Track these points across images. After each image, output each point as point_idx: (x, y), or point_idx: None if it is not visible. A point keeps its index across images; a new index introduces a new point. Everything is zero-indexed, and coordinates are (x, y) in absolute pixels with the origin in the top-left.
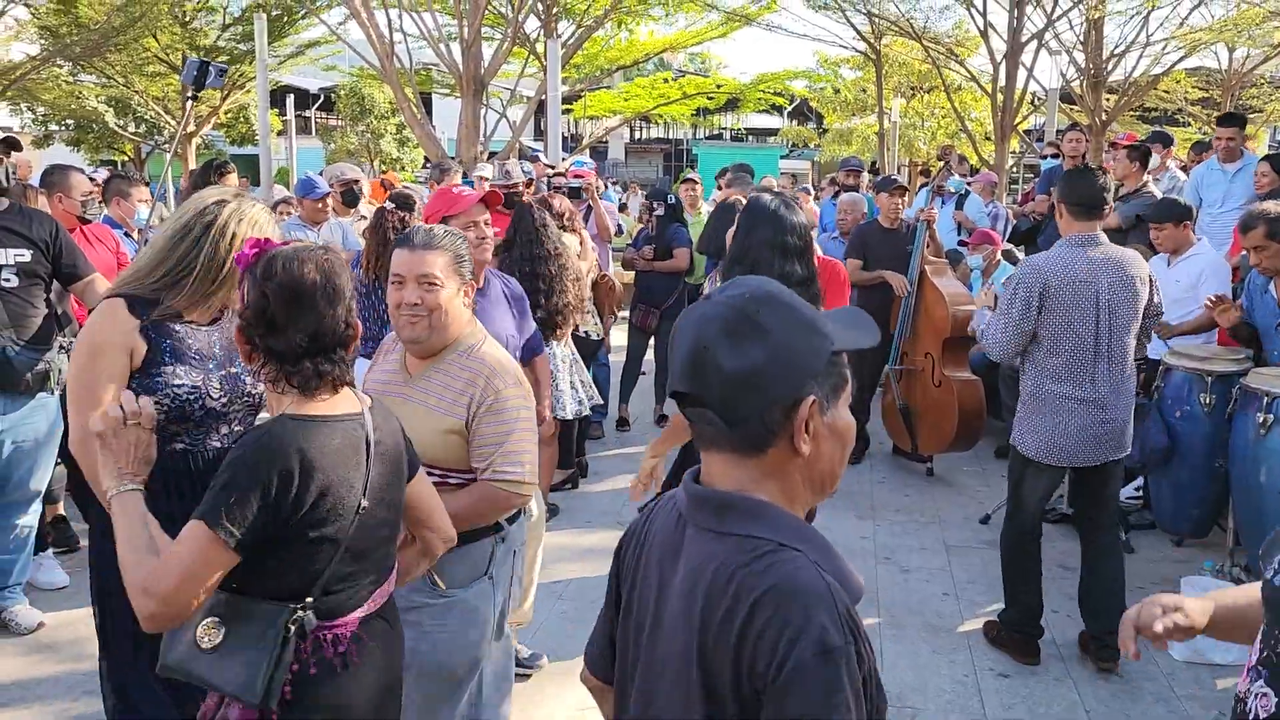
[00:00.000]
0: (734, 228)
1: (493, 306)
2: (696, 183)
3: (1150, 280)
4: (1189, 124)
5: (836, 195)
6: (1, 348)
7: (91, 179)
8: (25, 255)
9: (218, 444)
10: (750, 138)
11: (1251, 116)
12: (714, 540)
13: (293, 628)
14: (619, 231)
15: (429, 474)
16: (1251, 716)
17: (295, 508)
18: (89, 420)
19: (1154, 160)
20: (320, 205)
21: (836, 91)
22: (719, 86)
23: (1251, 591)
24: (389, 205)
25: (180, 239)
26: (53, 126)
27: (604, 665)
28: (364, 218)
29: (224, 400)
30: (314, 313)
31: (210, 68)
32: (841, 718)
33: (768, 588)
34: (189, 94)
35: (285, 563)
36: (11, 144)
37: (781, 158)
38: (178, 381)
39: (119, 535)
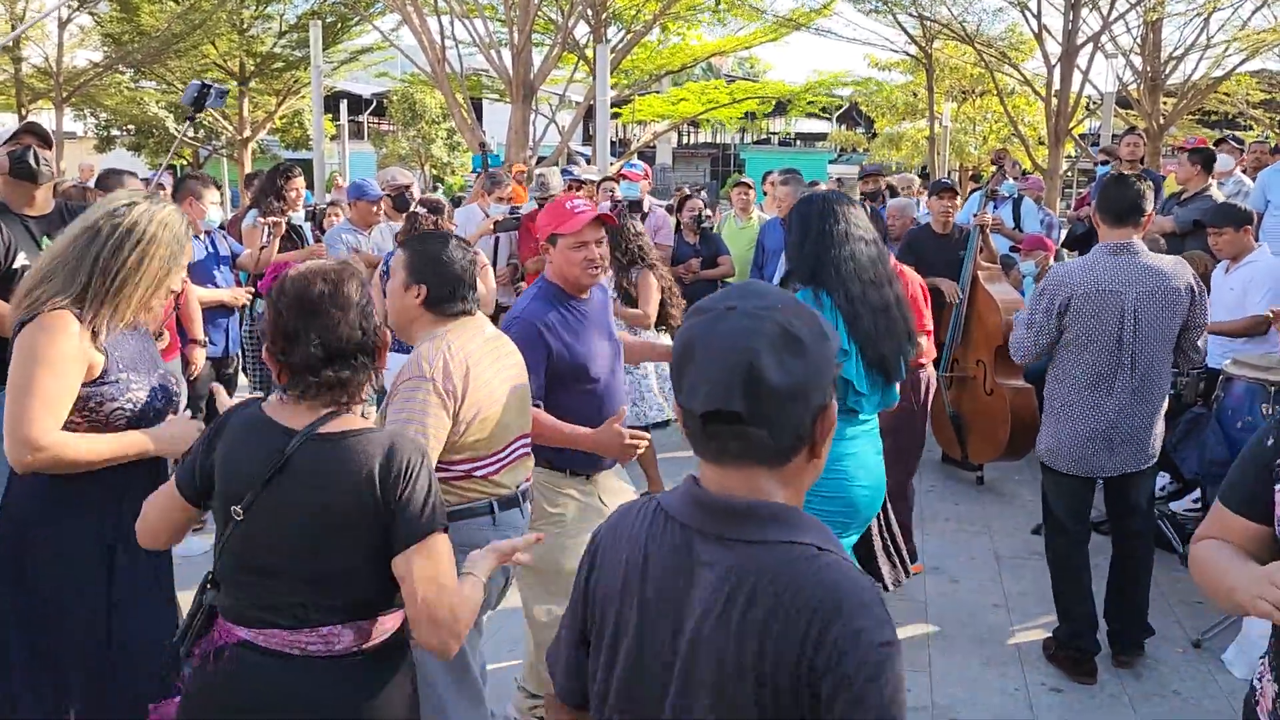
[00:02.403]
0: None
1: (593, 323)
2: (750, 187)
3: (1194, 290)
4: (1251, 127)
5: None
6: None
7: (161, 185)
8: None
9: None
10: (798, 142)
11: None
12: (746, 549)
13: (206, 594)
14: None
15: None
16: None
17: None
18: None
19: (1228, 162)
20: (375, 208)
21: (887, 96)
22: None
23: None
24: (421, 210)
25: (89, 241)
26: (114, 131)
27: (579, 694)
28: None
29: (163, 403)
30: (323, 320)
31: (211, 89)
32: (901, 708)
33: (827, 593)
34: (189, 114)
35: None
36: (33, 130)
37: (830, 162)
38: (136, 387)
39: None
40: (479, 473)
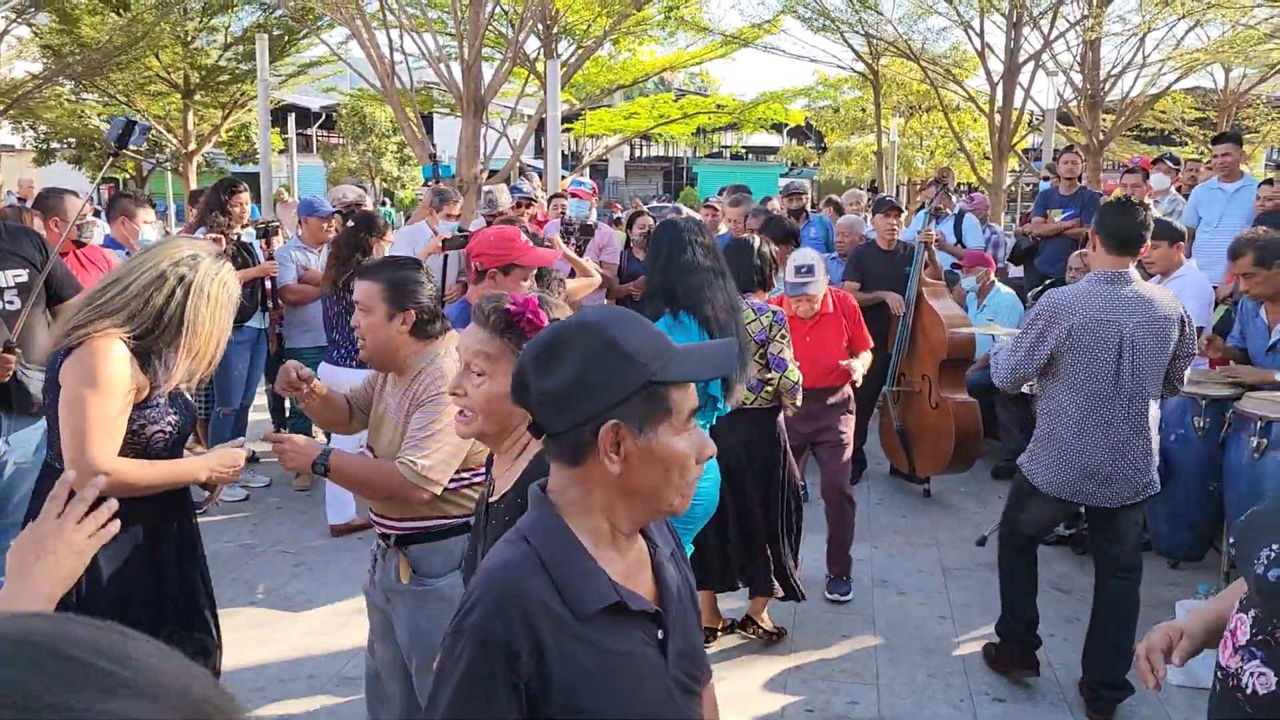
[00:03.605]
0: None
1: None
2: (716, 209)
3: (1184, 321)
4: (1185, 144)
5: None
6: (13, 371)
7: (91, 200)
8: (23, 275)
9: None
10: (750, 155)
11: (1248, 137)
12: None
13: None
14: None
15: None
16: (1249, 690)
17: None
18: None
19: (1164, 181)
20: (325, 226)
21: (836, 110)
22: (720, 107)
23: (1225, 600)
24: (350, 224)
25: (154, 286)
26: (54, 144)
27: None
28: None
29: (190, 422)
30: None
31: (136, 127)
32: (444, 694)
33: (485, 564)
34: (112, 150)
35: None
36: None
37: (781, 176)
38: (171, 410)
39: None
40: (477, 480)
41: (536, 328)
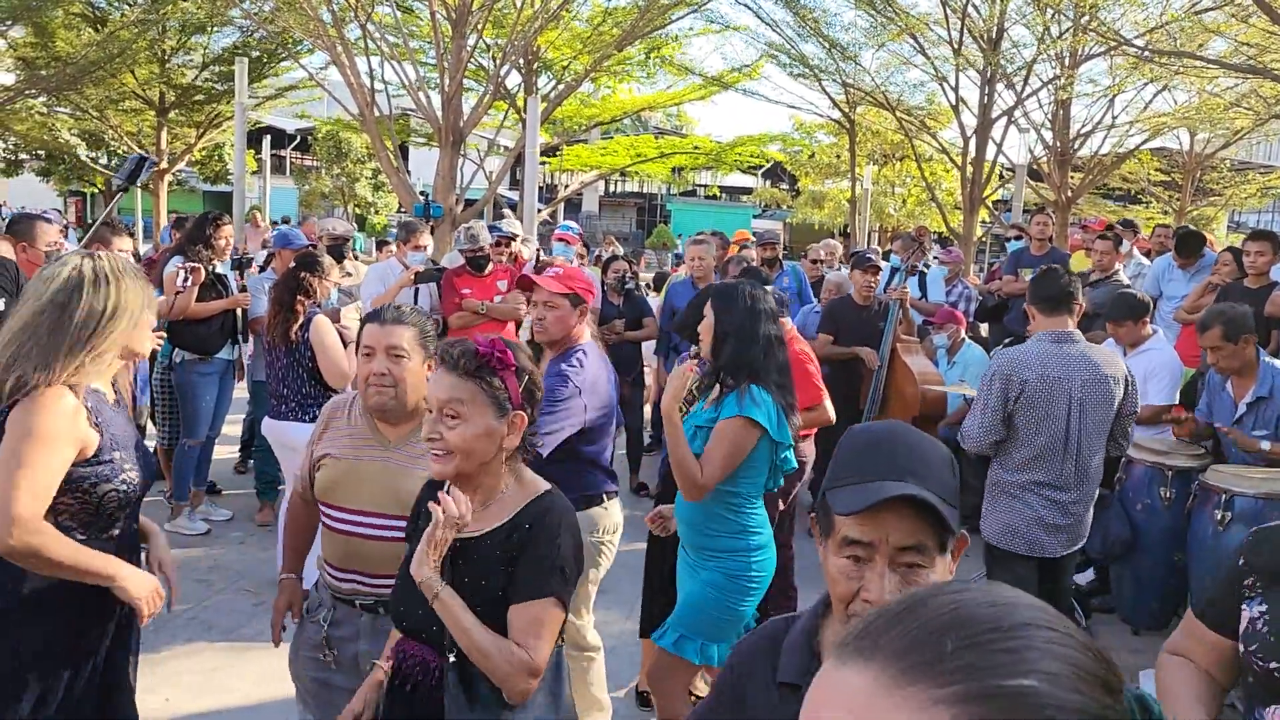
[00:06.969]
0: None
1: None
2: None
3: (1128, 380)
4: (1151, 203)
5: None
6: None
7: (59, 213)
8: (0, 304)
9: (120, 530)
10: (724, 195)
11: (1212, 199)
12: None
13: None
14: None
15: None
16: None
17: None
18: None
19: (1124, 245)
20: None
21: (811, 155)
22: (696, 148)
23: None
24: (292, 264)
25: (58, 315)
26: (22, 156)
27: None
28: (348, 274)
29: (149, 480)
30: None
31: (146, 162)
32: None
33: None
34: (121, 186)
35: None
36: None
37: (754, 217)
38: (128, 467)
39: (461, 625)
40: None
41: (507, 365)
